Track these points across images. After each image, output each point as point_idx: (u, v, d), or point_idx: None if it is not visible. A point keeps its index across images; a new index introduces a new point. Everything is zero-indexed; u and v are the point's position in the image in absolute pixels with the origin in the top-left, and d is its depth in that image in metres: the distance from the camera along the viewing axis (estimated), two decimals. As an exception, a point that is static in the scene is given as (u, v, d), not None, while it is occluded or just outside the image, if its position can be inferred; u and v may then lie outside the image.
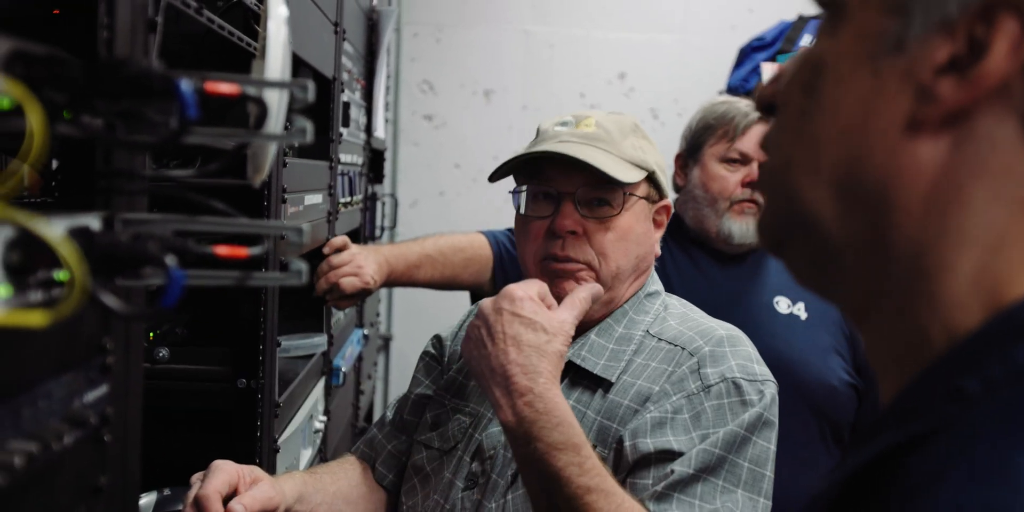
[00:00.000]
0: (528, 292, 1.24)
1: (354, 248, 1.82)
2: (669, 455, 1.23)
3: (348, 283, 1.76)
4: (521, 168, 1.42)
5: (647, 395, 1.30)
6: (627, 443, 1.26)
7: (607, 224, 1.36)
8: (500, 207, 4.07)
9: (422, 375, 1.58)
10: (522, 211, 1.41)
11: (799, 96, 0.56)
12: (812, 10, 3.27)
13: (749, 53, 3.68)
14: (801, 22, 3.56)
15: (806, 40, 3.47)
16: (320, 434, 1.99)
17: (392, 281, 1.92)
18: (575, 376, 1.35)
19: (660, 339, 1.37)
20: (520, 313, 1.21)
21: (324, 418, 2.02)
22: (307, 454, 1.88)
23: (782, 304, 2.05)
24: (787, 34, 3.56)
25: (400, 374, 4.18)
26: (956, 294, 0.49)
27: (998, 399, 0.45)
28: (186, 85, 0.59)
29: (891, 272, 0.52)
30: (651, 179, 1.41)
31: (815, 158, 0.54)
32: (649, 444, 1.24)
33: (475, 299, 2.17)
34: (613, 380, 1.34)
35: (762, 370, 1.32)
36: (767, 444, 1.27)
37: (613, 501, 1.12)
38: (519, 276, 1.66)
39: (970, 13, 0.48)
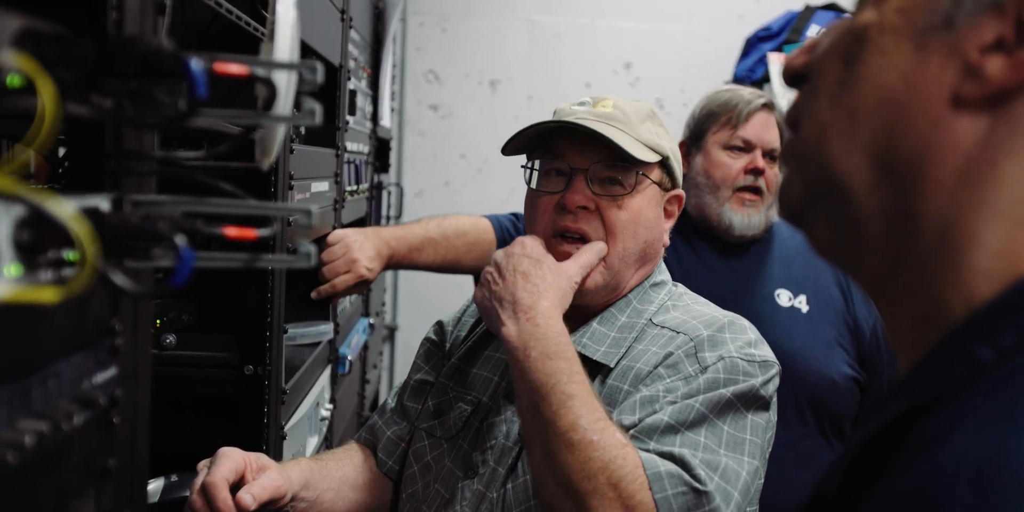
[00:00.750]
0: (537, 240, 1.35)
1: (351, 237, 1.80)
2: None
3: (341, 281, 1.76)
4: (535, 144, 1.41)
5: (643, 377, 1.29)
6: (614, 419, 1.24)
7: (619, 203, 1.36)
8: (505, 198, 4.06)
9: (422, 361, 1.58)
10: (533, 186, 1.41)
11: (837, 65, 0.57)
12: (818, 0, 3.24)
13: (755, 43, 3.67)
14: (808, 12, 3.55)
15: (812, 30, 3.46)
16: (326, 422, 1.99)
17: (393, 264, 1.92)
18: None
19: (663, 327, 1.36)
20: (530, 255, 1.30)
21: (330, 406, 2.02)
22: (313, 441, 1.88)
23: (783, 297, 2.04)
24: (794, 24, 3.55)
25: (405, 364, 4.18)
26: (981, 265, 0.51)
27: (1010, 366, 0.46)
28: (196, 64, 0.59)
29: (916, 243, 0.53)
30: (665, 166, 1.41)
31: (854, 126, 0.55)
32: (635, 419, 1.23)
33: (478, 283, 2.18)
34: (612, 366, 1.33)
35: (762, 354, 1.30)
36: (755, 418, 1.25)
37: (593, 412, 1.16)
38: None
39: None
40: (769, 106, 2.07)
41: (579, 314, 1.36)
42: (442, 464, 1.40)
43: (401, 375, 4.17)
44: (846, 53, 0.57)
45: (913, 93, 0.53)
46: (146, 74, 0.62)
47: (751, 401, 1.25)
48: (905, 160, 0.53)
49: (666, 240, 1.45)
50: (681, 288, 1.47)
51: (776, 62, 3.44)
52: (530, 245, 1.32)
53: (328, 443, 2.07)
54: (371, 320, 2.82)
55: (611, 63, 4.14)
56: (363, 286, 1.82)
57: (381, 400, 3.97)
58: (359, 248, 1.79)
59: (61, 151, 1.08)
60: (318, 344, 1.92)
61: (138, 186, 0.77)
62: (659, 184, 1.40)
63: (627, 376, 1.31)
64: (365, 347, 2.73)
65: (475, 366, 1.46)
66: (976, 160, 0.51)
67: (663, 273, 1.47)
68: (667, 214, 1.44)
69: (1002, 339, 0.47)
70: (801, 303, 2.03)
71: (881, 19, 0.55)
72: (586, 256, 1.33)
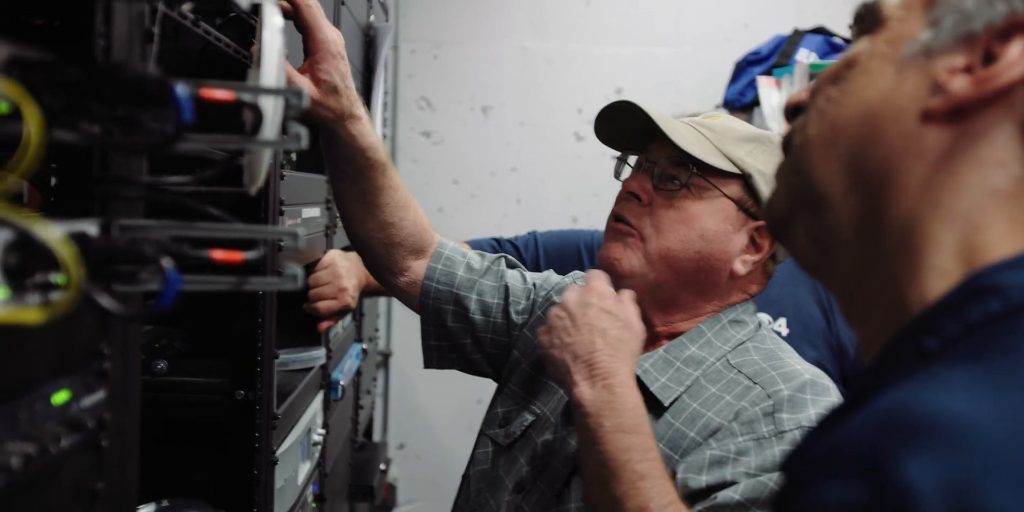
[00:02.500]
0: (610, 289, 1.29)
1: (338, 263, 1.83)
2: (721, 489, 1.16)
3: (324, 306, 1.79)
4: (636, 143, 1.41)
5: (715, 429, 1.23)
6: (679, 476, 1.18)
7: (672, 202, 1.32)
8: (499, 223, 4.08)
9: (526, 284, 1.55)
10: (618, 177, 1.43)
11: (828, 85, 0.64)
12: (807, 24, 3.26)
13: (745, 67, 3.69)
14: (796, 36, 3.58)
15: (801, 54, 3.49)
16: (319, 447, 1.99)
17: (366, 292, 1.94)
18: None
19: (740, 372, 1.29)
20: (609, 310, 1.25)
21: (323, 431, 2.01)
22: (305, 467, 1.88)
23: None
24: (782, 48, 3.58)
25: (400, 390, 4.18)
26: (938, 265, 0.55)
27: (951, 352, 0.49)
28: (181, 89, 0.60)
29: (882, 247, 0.58)
30: (748, 186, 1.34)
31: (833, 137, 0.62)
32: (702, 481, 1.16)
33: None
34: (666, 405, 1.26)
35: None
36: None
37: (665, 495, 1.09)
38: None
39: (992, 32, 0.56)
40: None
41: (647, 339, 1.31)
42: (496, 473, 1.39)
43: (396, 401, 4.16)
44: (837, 75, 0.64)
45: (888, 107, 0.59)
46: (133, 100, 0.63)
47: None
48: (876, 167, 0.58)
49: (753, 279, 1.37)
50: (766, 331, 1.39)
51: (765, 85, 3.46)
52: (608, 295, 1.27)
53: (321, 469, 2.06)
54: (364, 346, 2.81)
55: (602, 88, 4.17)
56: (346, 312, 1.84)
57: (376, 427, 3.96)
58: (346, 275, 1.81)
59: (53, 181, 1.09)
60: (310, 370, 1.92)
61: (126, 211, 0.77)
62: (737, 202, 1.33)
63: (695, 422, 1.24)
64: (359, 373, 2.72)
65: (545, 374, 1.42)
66: (939, 169, 0.56)
67: (749, 314, 1.38)
68: (756, 248, 1.35)
69: (947, 330, 0.50)
70: (781, 326, 2.02)
71: (872, 48, 0.62)
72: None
